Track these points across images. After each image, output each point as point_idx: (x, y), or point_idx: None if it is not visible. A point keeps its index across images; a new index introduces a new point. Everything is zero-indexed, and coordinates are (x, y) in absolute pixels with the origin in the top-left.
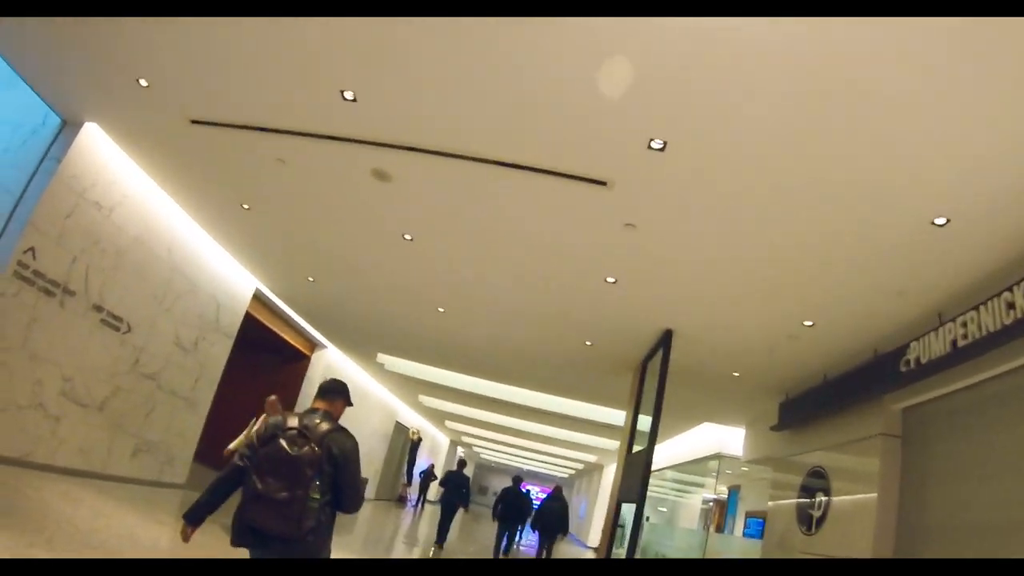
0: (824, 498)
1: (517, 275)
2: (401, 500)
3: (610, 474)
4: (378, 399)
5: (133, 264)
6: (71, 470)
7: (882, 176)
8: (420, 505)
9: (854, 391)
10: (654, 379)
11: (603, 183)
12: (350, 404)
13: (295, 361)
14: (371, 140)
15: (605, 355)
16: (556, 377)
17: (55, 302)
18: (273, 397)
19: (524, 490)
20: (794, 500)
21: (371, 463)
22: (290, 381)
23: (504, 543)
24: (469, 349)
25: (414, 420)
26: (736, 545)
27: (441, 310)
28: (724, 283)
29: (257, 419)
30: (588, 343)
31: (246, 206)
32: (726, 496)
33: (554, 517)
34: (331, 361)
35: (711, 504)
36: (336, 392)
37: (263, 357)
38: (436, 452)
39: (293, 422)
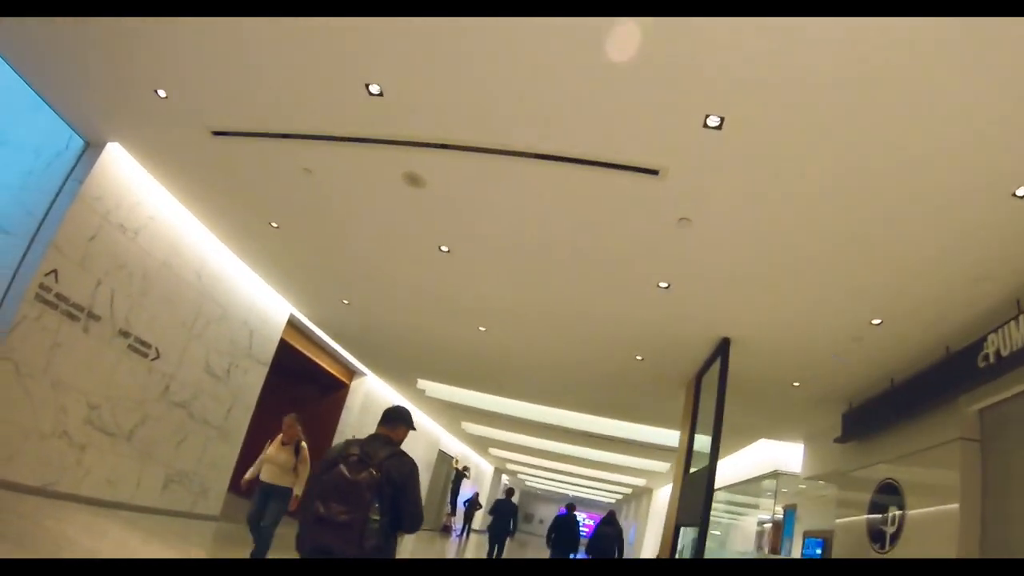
0: (898, 512)
1: (562, 286)
2: (445, 530)
3: (661, 497)
4: (420, 427)
5: (161, 288)
6: (98, 501)
7: (956, 143)
8: (465, 534)
9: (925, 394)
10: (709, 394)
11: (655, 172)
12: (412, 429)
13: (334, 390)
14: (400, 139)
15: (656, 370)
16: (604, 397)
17: (79, 327)
18: (291, 415)
19: (575, 517)
20: (864, 516)
21: None
22: (329, 410)
23: None
24: (512, 370)
25: (457, 448)
26: None
27: (482, 329)
28: (787, 282)
29: (272, 440)
30: (638, 358)
31: (275, 224)
32: (781, 516)
33: (608, 542)
34: (370, 388)
35: (767, 525)
36: (398, 418)
37: (301, 386)
38: (480, 480)
39: (354, 449)
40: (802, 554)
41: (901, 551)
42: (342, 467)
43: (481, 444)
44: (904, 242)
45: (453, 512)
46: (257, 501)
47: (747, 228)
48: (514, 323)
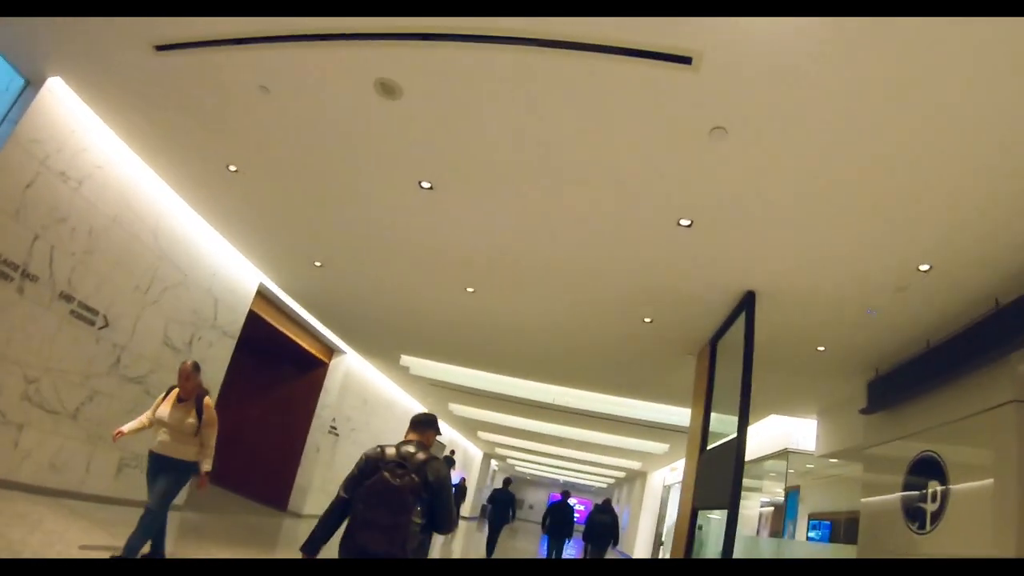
0: (940, 487)
1: (564, 227)
2: None
3: (655, 480)
4: (405, 410)
5: (110, 248)
6: (40, 488)
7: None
8: None
9: (970, 354)
10: (727, 361)
11: (687, 59)
12: (440, 433)
13: (311, 369)
14: (372, 31)
15: (666, 334)
16: (604, 371)
17: (12, 287)
18: (189, 362)
19: (570, 504)
20: (897, 494)
21: None
22: (307, 390)
23: (553, 556)
24: (503, 339)
25: (444, 432)
26: (805, 551)
27: (470, 290)
28: (828, 217)
29: (168, 394)
30: (647, 320)
31: (232, 167)
32: (783, 499)
33: (605, 529)
34: (351, 367)
35: (771, 507)
36: (427, 424)
37: (276, 365)
38: (468, 465)
39: (391, 454)
40: (807, 537)
41: (947, 530)
42: (385, 473)
43: (470, 427)
44: (964, 167)
45: None
46: (150, 483)
47: (792, 143)
48: (506, 279)
